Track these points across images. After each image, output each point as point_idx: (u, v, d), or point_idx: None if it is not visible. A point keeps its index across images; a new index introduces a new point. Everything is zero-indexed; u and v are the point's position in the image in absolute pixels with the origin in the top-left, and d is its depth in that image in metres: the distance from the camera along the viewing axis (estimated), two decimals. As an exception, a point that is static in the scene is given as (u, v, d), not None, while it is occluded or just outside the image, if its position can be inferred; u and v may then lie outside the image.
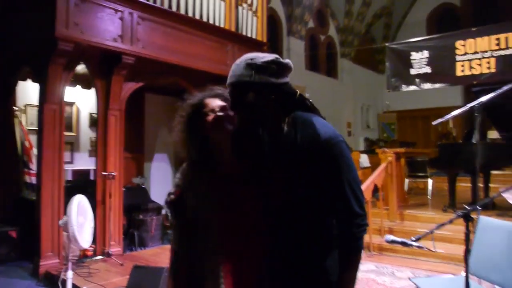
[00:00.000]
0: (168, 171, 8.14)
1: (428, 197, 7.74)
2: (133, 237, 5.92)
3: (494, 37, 6.88)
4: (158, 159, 8.00)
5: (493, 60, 6.88)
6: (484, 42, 6.96)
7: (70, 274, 3.31)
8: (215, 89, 1.63)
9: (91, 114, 7.04)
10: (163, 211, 6.47)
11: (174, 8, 5.70)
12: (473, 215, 2.03)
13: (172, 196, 1.62)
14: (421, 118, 14.94)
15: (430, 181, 7.91)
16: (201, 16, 6.11)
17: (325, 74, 13.22)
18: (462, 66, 7.16)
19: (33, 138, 5.53)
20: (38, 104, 4.94)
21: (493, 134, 8.05)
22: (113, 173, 5.17)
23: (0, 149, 5.78)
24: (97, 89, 5.25)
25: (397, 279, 4.38)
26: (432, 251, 2.18)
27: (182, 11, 5.83)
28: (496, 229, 2.79)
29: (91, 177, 6.62)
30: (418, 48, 7.65)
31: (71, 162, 6.77)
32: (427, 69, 7.53)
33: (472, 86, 6.95)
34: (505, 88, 3.60)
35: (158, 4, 5.51)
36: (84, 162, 6.99)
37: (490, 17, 10.79)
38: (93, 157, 5.92)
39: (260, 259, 1.52)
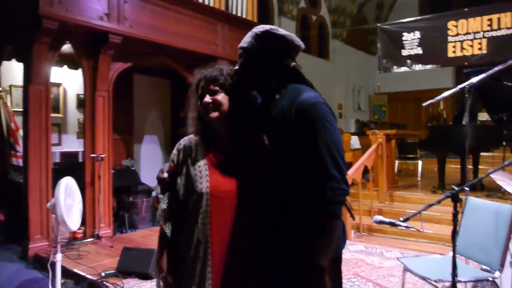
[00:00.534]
0: (158, 153, 8.10)
1: (418, 178, 7.81)
2: (123, 219, 5.91)
3: (486, 17, 6.85)
4: (147, 140, 7.94)
5: (484, 41, 6.86)
6: (476, 23, 6.93)
7: (59, 256, 3.27)
8: (212, 69, 1.63)
9: (78, 95, 6.92)
10: (153, 193, 6.45)
11: (162, -14, 5.58)
12: (462, 196, 2.03)
13: (164, 173, 1.63)
14: (412, 100, 14.99)
15: (420, 163, 7.97)
16: (190, -5, 5.99)
17: (316, 55, 13.12)
18: (454, 47, 7.14)
19: (19, 120, 5.43)
20: (23, 84, 4.84)
21: (484, 116, 8.09)
22: (101, 155, 5.11)
23: (-14, 131, 5.68)
24: (84, 70, 5.15)
25: (386, 259, 4.42)
26: (420, 231, 2.19)
27: (171, -11, 5.70)
28: (484, 210, 2.81)
29: (80, 159, 6.55)
30: (410, 28, 7.60)
31: (59, 144, 6.69)
32: (419, 50, 7.50)
33: (463, 67, 6.95)
34: (495, 69, 3.59)
35: (145, -18, 5.38)
36: (72, 144, 6.91)
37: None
38: (81, 139, 5.85)
39: (247, 240, 1.53)
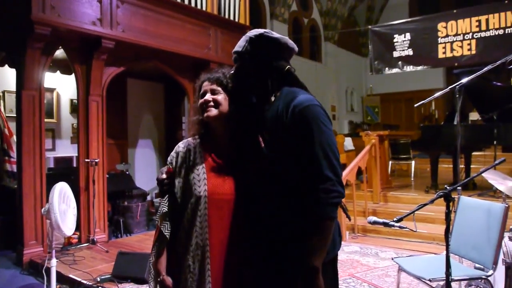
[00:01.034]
0: (153, 157, 8.09)
1: (411, 178, 7.87)
2: (118, 224, 5.89)
3: (475, 18, 6.94)
4: (142, 145, 7.93)
5: (473, 42, 6.95)
6: (466, 24, 7.02)
7: (54, 262, 3.27)
8: (216, 72, 1.66)
9: (71, 100, 6.90)
10: (148, 197, 6.44)
11: (154, -9, 5.59)
12: (454, 195, 2.07)
13: (163, 174, 1.64)
14: (404, 101, 15.10)
15: (413, 163, 8.03)
16: (182, -1, 6.01)
17: (308, 58, 13.18)
18: (444, 48, 7.22)
19: (12, 125, 5.41)
20: (16, 90, 4.82)
21: (474, 116, 8.19)
22: (96, 160, 5.10)
23: (-21, 137, 5.65)
24: (77, 75, 5.14)
25: (381, 260, 4.46)
26: (414, 231, 2.21)
27: (163, -6, 5.72)
28: (476, 209, 2.85)
29: (74, 164, 6.53)
30: (401, 30, 7.68)
31: (53, 149, 6.66)
32: (410, 52, 7.58)
33: (453, 68, 7.02)
34: (485, 69, 3.65)
35: (137, -13, 5.39)
36: (66, 149, 6.88)
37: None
38: (75, 144, 5.83)
39: (245, 242, 1.55)
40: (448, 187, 1.89)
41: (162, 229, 1.60)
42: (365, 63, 15.27)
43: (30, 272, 4.41)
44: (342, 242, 1.74)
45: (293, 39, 1.65)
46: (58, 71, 6.45)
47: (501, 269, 2.74)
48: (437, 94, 3.65)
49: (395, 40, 7.71)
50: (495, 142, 5.92)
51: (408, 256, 3.67)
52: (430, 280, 2.47)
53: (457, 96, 3.70)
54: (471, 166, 6.61)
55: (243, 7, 7.22)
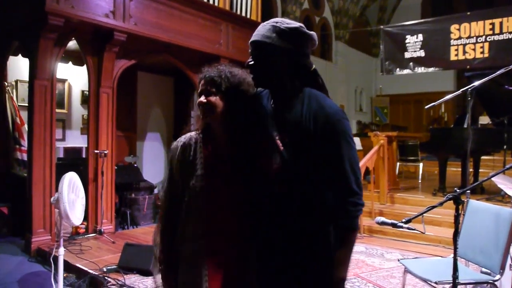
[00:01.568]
0: (161, 150, 8.13)
1: (419, 180, 7.83)
2: (125, 216, 5.94)
3: (488, 21, 6.86)
4: (150, 138, 7.97)
5: (486, 45, 6.88)
6: (479, 27, 6.94)
7: (62, 250, 3.30)
8: (213, 69, 1.58)
9: (83, 91, 6.96)
10: (155, 191, 6.48)
11: (167, -15, 5.60)
12: (463, 199, 2.06)
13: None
14: (413, 103, 15.01)
15: (421, 165, 7.99)
16: (195, -6, 6.02)
17: (319, 56, 13.13)
18: (456, 50, 7.16)
19: (24, 115, 5.47)
20: (28, 80, 4.87)
21: (484, 120, 8.12)
22: (105, 151, 5.14)
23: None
24: (89, 66, 5.18)
25: (386, 261, 4.45)
26: (422, 233, 2.21)
27: (176, -12, 5.73)
28: (484, 213, 2.83)
29: (83, 155, 6.58)
30: (413, 31, 7.61)
31: (63, 140, 6.72)
32: (421, 53, 7.52)
33: (465, 71, 6.97)
34: (497, 73, 3.62)
35: (151, -20, 5.40)
36: (76, 139, 6.94)
37: (484, 2, 10.73)
38: (85, 135, 5.88)
39: (242, 238, 1.56)
40: (457, 190, 1.88)
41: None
42: (376, 63, 15.18)
43: (37, 260, 4.47)
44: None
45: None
46: (70, 62, 6.50)
47: (508, 274, 2.73)
48: (448, 96, 3.64)
49: (407, 41, 7.65)
50: (505, 147, 5.88)
51: (414, 258, 3.66)
52: (436, 283, 2.47)
53: (469, 99, 3.68)
54: (480, 170, 6.57)
55: (255, 3, 7.22)
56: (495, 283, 2.54)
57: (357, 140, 9.68)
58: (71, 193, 3.36)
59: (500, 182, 3.23)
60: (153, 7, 5.51)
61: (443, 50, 7.29)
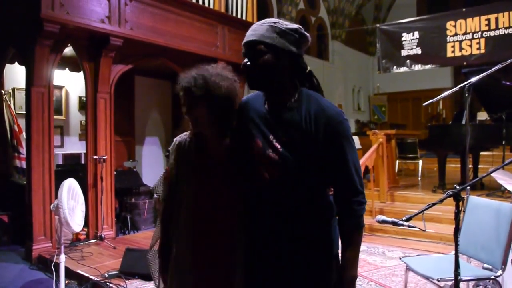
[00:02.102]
0: (160, 154, 8.12)
1: (418, 178, 7.83)
2: (125, 221, 5.93)
3: (484, 17, 6.87)
4: (149, 142, 7.96)
5: (482, 41, 6.89)
6: (475, 23, 6.96)
7: (63, 257, 3.30)
8: (188, 77, 1.50)
9: (80, 97, 6.95)
10: (155, 195, 6.46)
11: (162, -11, 5.60)
12: (463, 195, 2.06)
13: (165, 172, 1.70)
14: (412, 100, 15.03)
15: (420, 162, 7.99)
16: (190, -3, 6.02)
17: (316, 56, 13.15)
18: (453, 47, 7.17)
19: (22, 122, 5.46)
20: (25, 87, 4.86)
21: (482, 116, 8.13)
22: (104, 157, 5.14)
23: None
24: (85, 72, 5.17)
25: (388, 259, 4.45)
26: (423, 230, 2.20)
27: (171, -8, 5.73)
28: (485, 209, 2.83)
29: (82, 161, 6.58)
30: (409, 29, 7.62)
31: (61, 146, 6.71)
32: (418, 50, 7.52)
33: (462, 67, 6.98)
34: (494, 68, 3.63)
35: (146, -15, 5.41)
36: (74, 145, 6.93)
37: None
38: (83, 141, 5.88)
39: (227, 243, 1.56)
40: (457, 187, 1.88)
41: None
42: (373, 62, 15.21)
43: (39, 267, 4.46)
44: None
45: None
46: (67, 69, 6.49)
47: (510, 269, 2.72)
48: (446, 93, 3.64)
49: (403, 39, 7.66)
50: (503, 142, 5.88)
51: (416, 255, 3.65)
52: (438, 280, 2.46)
53: (466, 95, 3.69)
54: (479, 166, 6.57)
55: (250, 5, 7.22)
56: (497, 279, 2.53)
57: (356, 139, 9.68)
58: (71, 199, 3.35)
59: (500, 177, 3.22)
60: (148, 11, 5.51)
61: (439, 47, 7.30)
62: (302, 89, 1.50)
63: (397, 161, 8.09)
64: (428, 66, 7.63)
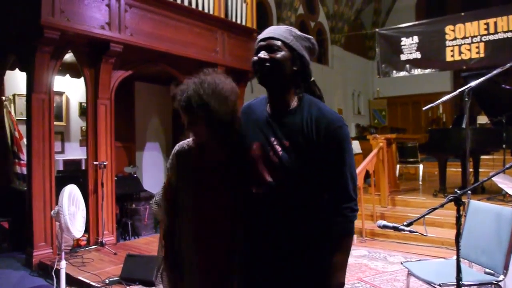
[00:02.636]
0: (160, 160, 8.12)
1: (419, 182, 7.82)
2: (126, 226, 5.92)
3: (483, 21, 6.91)
4: (149, 148, 7.96)
5: (482, 45, 6.92)
6: (474, 27, 6.99)
7: (63, 264, 3.30)
8: (193, 89, 1.48)
9: (80, 103, 6.97)
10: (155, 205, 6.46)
11: (162, -5, 5.63)
12: (464, 199, 2.06)
13: (164, 186, 1.71)
14: (412, 104, 15.04)
15: (420, 167, 7.99)
16: (189, 3, 6.05)
17: (315, 61, 13.16)
18: (452, 51, 7.19)
19: (22, 128, 5.47)
20: (26, 93, 4.88)
21: (482, 119, 8.14)
22: (104, 163, 5.14)
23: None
24: (86, 78, 5.19)
25: (390, 264, 4.44)
26: (424, 235, 2.20)
27: (171, -2, 5.76)
28: (486, 213, 2.83)
29: (83, 167, 6.58)
30: (408, 33, 7.66)
31: (62, 152, 6.72)
32: (417, 55, 7.55)
33: (461, 71, 7.00)
34: (494, 72, 3.64)
35: (146, -9, 5.43)
36: (75, 151, 6.94)
37: (478, 2, 10.79)
38: (84, 147, 5.88)
39: (227, 244, 1.57)
40: (458, 191, 1.88)
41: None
42: (372, 66, 15.23)
43: (39, 273, 4.45)
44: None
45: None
46: (67, 75, 6.52)
47: None
48: (446, 97, 3.65)
49: (402, 43, 7.69)
50: (504, 146, 5.88)
51: (417, 260, 3.64)
52: (440, 285, 2.46)
53: (466, 99, 3.69)
54: (479, 169, 6.57)
55: (250, 10, 7.25)
56: (499, 283, 2.53)
57: (356, 143, 9.66)
58: (72, 205, 3.35)
59: (501, 181, 3.23)
60: (148, 17, 5.53)
61: (438, 51, 7.33)
62: (304, 95, 1.54)
63: (398, 165, 8.07)
64: (427, 70, 7.65)
